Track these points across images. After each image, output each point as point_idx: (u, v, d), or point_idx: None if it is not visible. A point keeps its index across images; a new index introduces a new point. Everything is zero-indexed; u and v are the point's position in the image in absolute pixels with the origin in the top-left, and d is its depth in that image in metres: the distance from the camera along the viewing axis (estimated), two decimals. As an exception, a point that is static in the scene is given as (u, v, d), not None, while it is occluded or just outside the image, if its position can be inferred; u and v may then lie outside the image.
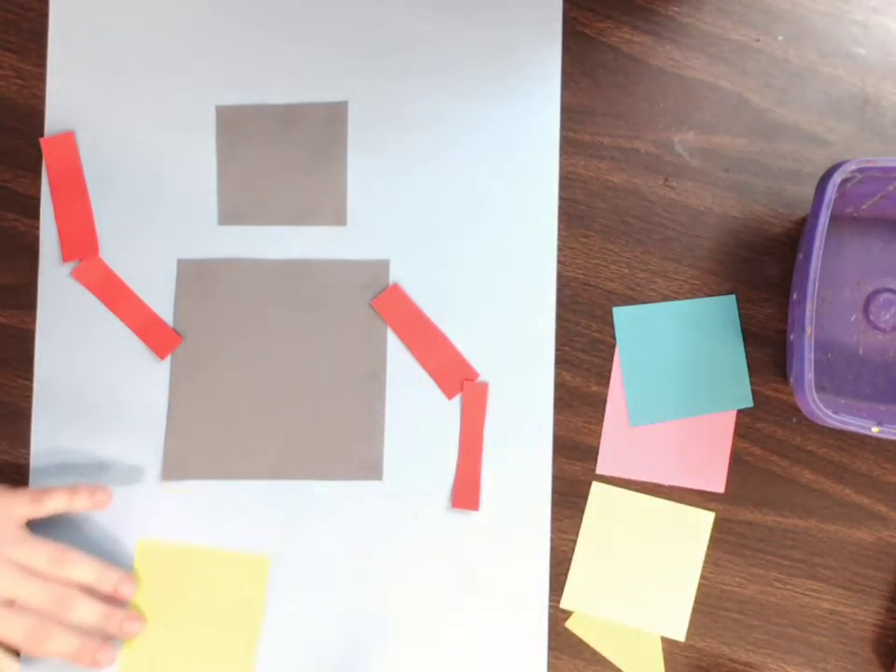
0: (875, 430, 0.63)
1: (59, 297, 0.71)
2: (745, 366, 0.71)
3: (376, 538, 0.70)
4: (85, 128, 0.71)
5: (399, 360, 0.71)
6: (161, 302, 0.71)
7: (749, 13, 0.72)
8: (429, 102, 0.72)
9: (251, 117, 0.72)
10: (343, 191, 0.72)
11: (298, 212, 0.71)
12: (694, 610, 0.71)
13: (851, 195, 0.67)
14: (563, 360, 0.71)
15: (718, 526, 0.71)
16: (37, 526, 0.66)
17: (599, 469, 0.71)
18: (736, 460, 0.71)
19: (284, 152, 0.72)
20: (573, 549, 0.71)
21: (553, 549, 0.71)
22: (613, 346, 0.72)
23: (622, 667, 0.70)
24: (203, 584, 0.68)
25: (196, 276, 0.71)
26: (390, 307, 0.71)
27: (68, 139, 0.71)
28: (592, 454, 0.71)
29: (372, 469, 0.71)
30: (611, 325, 0.72)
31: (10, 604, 0.62)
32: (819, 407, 0.62)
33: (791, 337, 0.65)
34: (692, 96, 0.72)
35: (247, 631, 0.68)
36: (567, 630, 0.71)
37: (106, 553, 0.69)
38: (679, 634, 0.71)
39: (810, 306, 0.62)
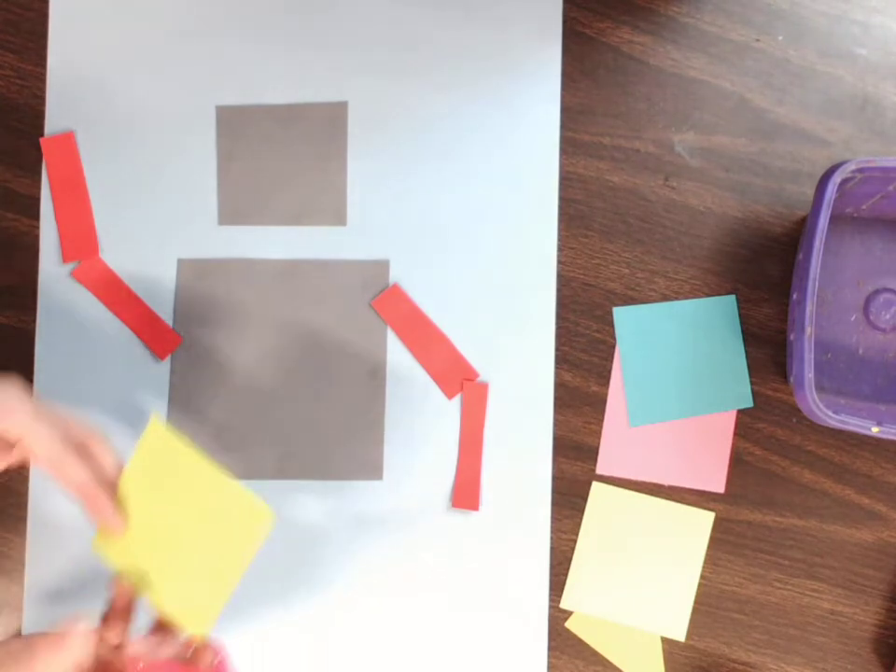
0: (874, 430, 0.63)
1: (59, 297, 0.71)
2: (745, 366, 0.71)
3: (376, 538, 0.70)
4: (85, 128, 0.71)
5: (399, 360, 0.71)
6: (161, 302, 0.71)
7: (749, 13, 0.72)
8: (429, 102, 0.72)
9: (251, 117, 0.72)
10: (343, 191, 0.72)
11: (298, 212, 0.71)
12: (694, 610, 0.71)
13: (851, 195, 0.67)
14: (563, 360, 0.71)
15: (718, 526, 0.71)
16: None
17: (599, 469, 0.71)
18: (736, 460, 0.71)
19: (284, 152, 0.72)
20: (573, 549, 0.71)
21: (552, 549, 0.71)
22: (613, 346, 0.72)
23: (622, 667, 0.70)
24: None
25: (196, 276, 0.71)
26: (390, 307, 0.71)
27: (68, 139, 0.71)
28: (592, 454, 0.71)
29: (372, 469, 0.71)
30: (611, 325, 0.72)
31: None
32: (819, 407, 0.62)
33: (791, 337, 0.65)
34: (692, 96, 0.72)
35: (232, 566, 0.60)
36: (567, 630, 0.71)
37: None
38: (679, 634, 0.71)
39: (810, 306, 0.62)
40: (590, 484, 0.71)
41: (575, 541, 0.71)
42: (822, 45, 0.73)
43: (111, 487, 0.58)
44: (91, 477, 0.57)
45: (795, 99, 0.72)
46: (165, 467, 0.59)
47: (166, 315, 0.71)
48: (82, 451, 0.57)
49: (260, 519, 0.58)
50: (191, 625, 0.58)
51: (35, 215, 0.71)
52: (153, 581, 0.59)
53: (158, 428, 0.59)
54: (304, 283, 0.71)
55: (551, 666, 0.70)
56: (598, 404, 0.71)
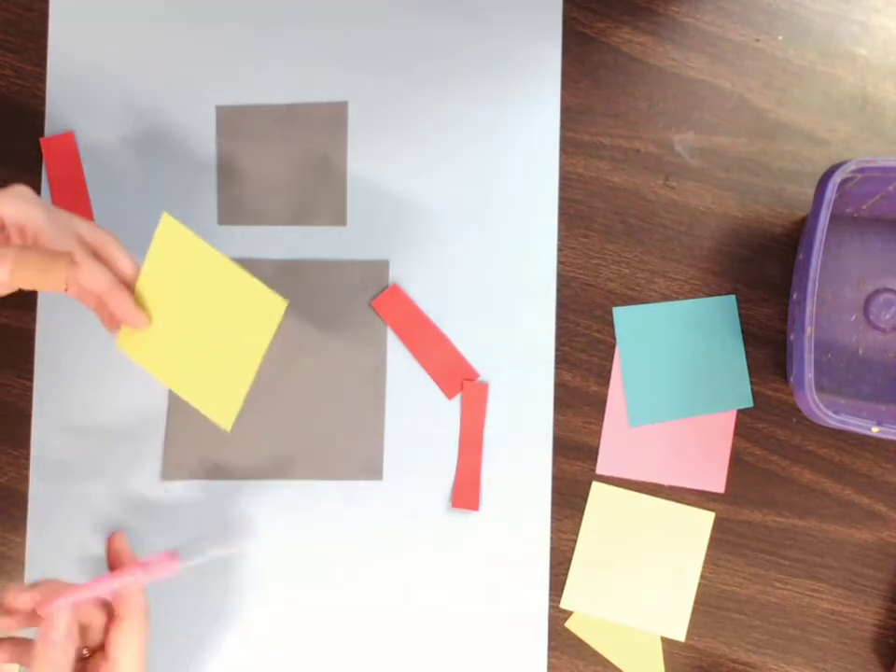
0: (874, 430, 0.63)
1: (59, 297, 0.71)
2: (745, 366, 0.71)
3: (376, 537, 0.70)
4: (85, 128, 0.71)
5: (399, 360, 0.71)
6: (161, 302, 0.71)
7: (749, 13, 0.72)
8: (429, 102, 0.72)
9: (251, 117, 0.72)
10: (343, 191, 0.72)
11: (298, 212, 0.71)
12: (694, 610, 0.71)
13: (851, 195, 0.67)
14: (563, 360, 0.71)
15: (718, 526, 0.71)
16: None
17: (599, 469, 0.71)
18: (736, 460, 0.71)
19: (284, 152, 0.72)
20: (573, 549, 0.71)
21: (552, 549, 0.71)
22: (613, 346, 0.72)
23: (622, 667, 0.70)
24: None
25: (196, 276, 0.71)
26: (390, 307, 0.71)
27: (68, 139, 0.71)
28: (592, 454, 0.71)
29: (372, 469, 0.71)
30: (611, 325, 0.72)
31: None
32: (819, 407, 0.62)
33: (791, 337, 0.65)
34: (692, 96, 0.72)
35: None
36: (567, 630, 0.71)
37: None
38: (679, 634, 0.71)
39: (810, 306, 0.62)
40: (590, 484, 0.71)
41: (575, 541, 0.71)
42: (822, 45, 0.73)
43: (129, 287, 0.60)
44: (109, 277, 0.58)
45: (795, 99, 0.72)
46: (180, 261, 0.60)
47: (166, 314, 0.71)
48: (97, 256, 0.59)
49: (273, 307, 0.59)
50: (216, 415, 0.60)
51: (35, 215, 0.71)
52: (177, 375, 0.60)
53: (170, 224, 0.60)
54: (304, 283, 0.71)
55: (551, 666, 0.70)
56: (598, 404, 0.71)
